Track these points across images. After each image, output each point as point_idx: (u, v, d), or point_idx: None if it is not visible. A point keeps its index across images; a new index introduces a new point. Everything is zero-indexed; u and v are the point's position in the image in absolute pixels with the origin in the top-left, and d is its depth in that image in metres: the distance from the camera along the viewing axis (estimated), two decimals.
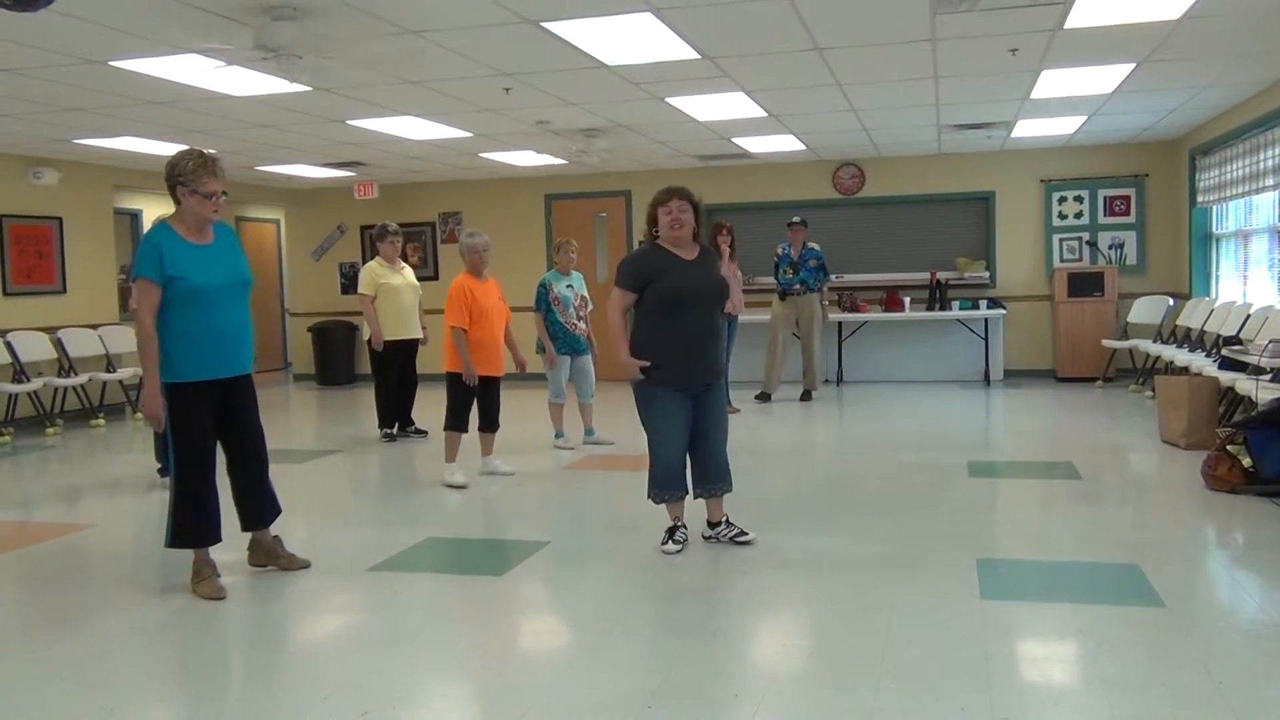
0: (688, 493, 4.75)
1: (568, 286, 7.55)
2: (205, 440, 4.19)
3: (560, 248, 7.63)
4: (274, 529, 4.59)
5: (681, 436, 4.64)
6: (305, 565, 4.56)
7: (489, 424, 6.57)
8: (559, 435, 7.72)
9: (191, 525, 4.20)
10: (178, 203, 4.12)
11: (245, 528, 4.51)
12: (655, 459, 4.66)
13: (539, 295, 7.53)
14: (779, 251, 9.99)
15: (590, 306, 7.77)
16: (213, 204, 4.10)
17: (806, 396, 10.05)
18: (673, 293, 4.55)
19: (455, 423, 6.38)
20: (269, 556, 4.53)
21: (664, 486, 4.67)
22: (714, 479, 4.76)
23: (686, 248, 4.66)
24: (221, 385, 4.20)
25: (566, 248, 7.61)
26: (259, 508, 4.47)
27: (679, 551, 4.65)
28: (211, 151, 4.22)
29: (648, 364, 4.55)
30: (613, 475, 6.66)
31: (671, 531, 4.71)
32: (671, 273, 4.57)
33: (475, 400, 6.40)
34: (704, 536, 4.79)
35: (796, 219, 10.00)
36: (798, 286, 9.88)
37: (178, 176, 4.08)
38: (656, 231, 4.66)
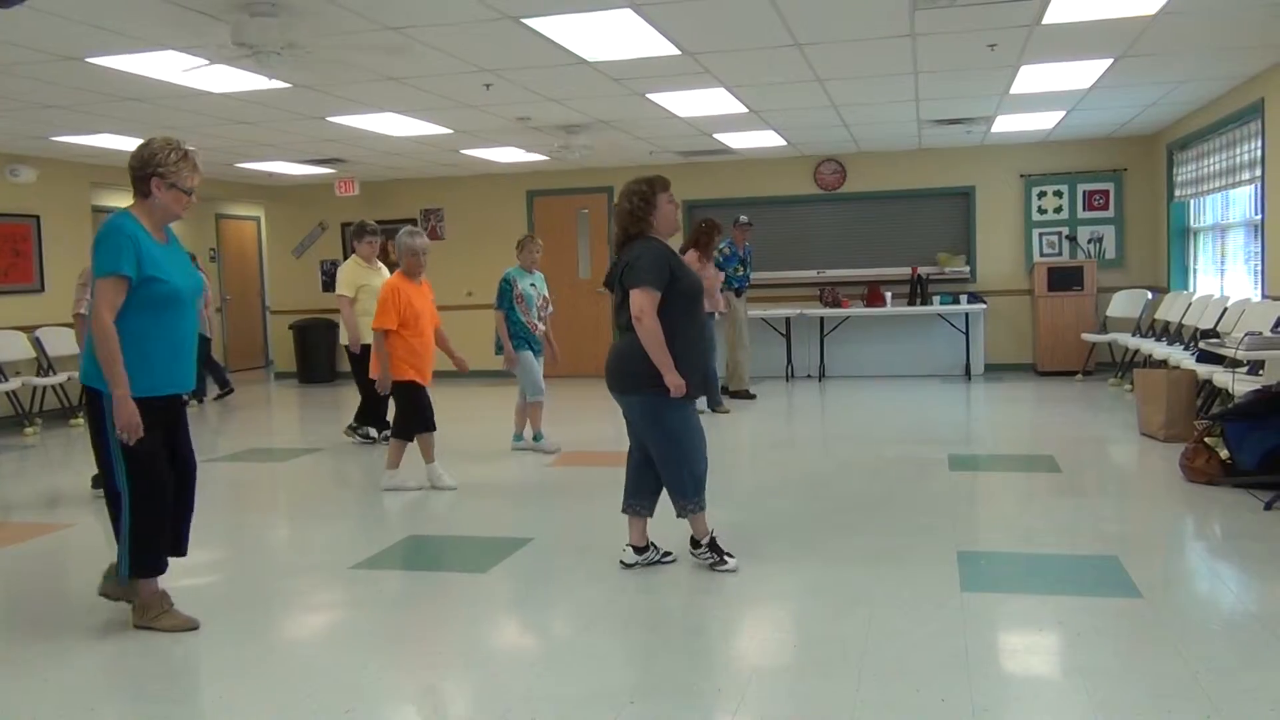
0: None
1: (531, 285, 7.15)
2: (162, 461, 3.72)
3: (524, 244, 7.21)
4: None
5: None
6: (192, 626, 3.80)
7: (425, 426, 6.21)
8: (519, 438, 7.40)
9: (153, 555, 3.75)
10: (144, 195, 3.66)
11: None
12: (693, 468, 4.28)
13: (502, 291, 7.09)
14: (726, 250, 9.56)
15: (550, 309, 7.35)
16: (187, 201, 3.73)
17: (747, 395, 9.84)
18: (693, 289, 4.20)
19: (423, 425, 6.13)
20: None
21: (702, 492, 4.34)
22: None
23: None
24: (169, 402, 3.77)
25: (531, 245, 7.20)
26: (179, 541, 3.91)
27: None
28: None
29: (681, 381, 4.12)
30: (594, 472, 6.66)
31: (720, 546, 4.35)
32: (682, 268, 4.20)
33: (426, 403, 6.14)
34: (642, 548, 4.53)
35: (744, 218, 9.90)
36: (748, 285, 9.91)
37: (156, 167, 3.63)
38: (651, 223, 4.22)
